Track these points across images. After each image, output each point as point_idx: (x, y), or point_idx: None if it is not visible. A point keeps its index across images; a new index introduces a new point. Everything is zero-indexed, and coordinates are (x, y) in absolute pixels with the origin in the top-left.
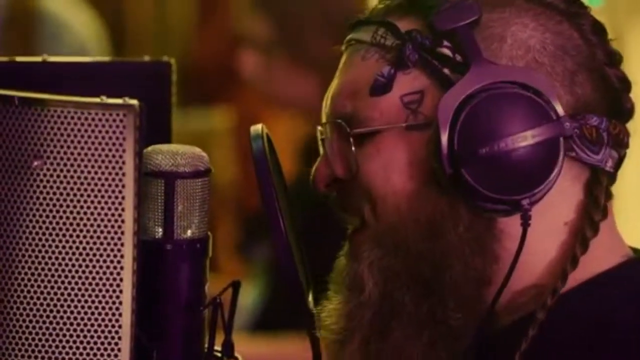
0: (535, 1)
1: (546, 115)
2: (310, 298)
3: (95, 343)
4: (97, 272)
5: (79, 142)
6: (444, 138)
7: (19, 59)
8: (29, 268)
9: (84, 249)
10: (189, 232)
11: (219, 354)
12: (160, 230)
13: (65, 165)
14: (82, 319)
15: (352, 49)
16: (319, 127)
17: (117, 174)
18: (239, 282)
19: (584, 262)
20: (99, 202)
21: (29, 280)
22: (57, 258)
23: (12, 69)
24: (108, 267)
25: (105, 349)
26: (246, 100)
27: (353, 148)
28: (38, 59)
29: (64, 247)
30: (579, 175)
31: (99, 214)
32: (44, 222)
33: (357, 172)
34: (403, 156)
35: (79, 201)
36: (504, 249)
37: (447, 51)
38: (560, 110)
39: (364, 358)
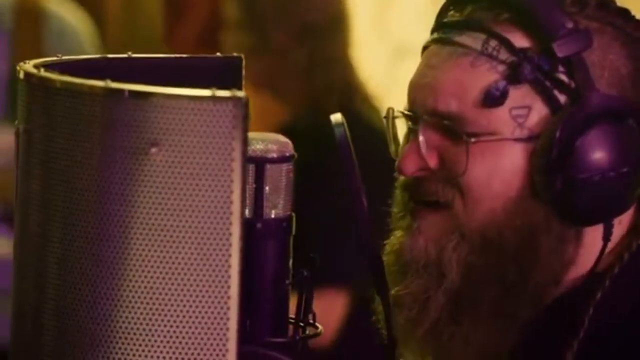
0: (620, 29)
1: None
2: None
3: (207, 312)
4: (208, 249)
5: (192, 130)
6: (559, 158)
7: (110, 55)
8: (146, 245)
9: (196, 228)
10: (275, 212)
11: (301, 323)
12: (249, 210)
13: (179, 152)
14: (195, 290)
15: (452, 49)
16: (394, 111)
17: (226, 159)
18: (316, 256)
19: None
20: (210, 186)
21: (144, 257)
22: (171, 236)
23: (105, 64)
24: (218, 244)
25: (216, 318)
26: None
27: (466, 152)
28: (124, 55)
29: (177, 226)
30: None
31: (209, 196)
32: (159, 203)
33: (464, 172)
34: (506, 165)
35: (191, 185)
36: (577, 253)
37: (562, 76)
38: None
39: (436, 339)
